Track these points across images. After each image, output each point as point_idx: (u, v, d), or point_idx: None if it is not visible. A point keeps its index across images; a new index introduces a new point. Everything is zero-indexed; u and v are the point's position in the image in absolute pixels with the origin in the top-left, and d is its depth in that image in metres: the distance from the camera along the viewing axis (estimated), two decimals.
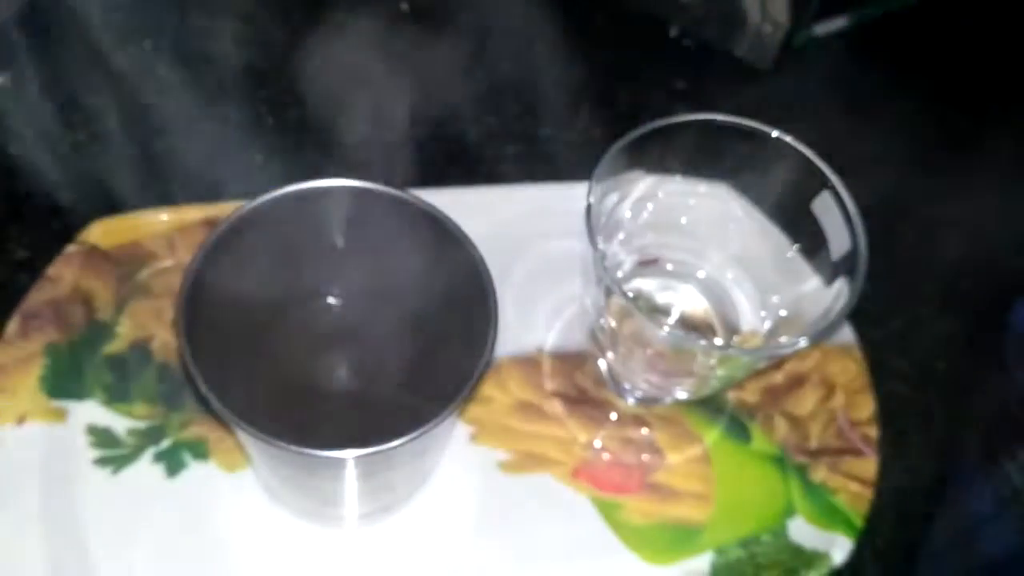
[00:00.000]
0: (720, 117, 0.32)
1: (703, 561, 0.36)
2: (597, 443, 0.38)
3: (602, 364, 0.39)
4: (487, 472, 0.37)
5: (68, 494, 0.34)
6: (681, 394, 0.37)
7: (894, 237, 0.45)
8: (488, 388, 0.38)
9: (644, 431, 0.38)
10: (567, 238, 0.38)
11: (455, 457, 0.36)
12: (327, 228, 0.33)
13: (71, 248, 0.38)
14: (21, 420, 0.35)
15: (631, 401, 0.38)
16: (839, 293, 0.32)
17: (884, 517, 0.38)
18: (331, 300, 0.36)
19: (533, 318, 0.40)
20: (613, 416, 0.38)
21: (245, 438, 0.30)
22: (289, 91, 0.46)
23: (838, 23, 0.50)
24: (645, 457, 0.37)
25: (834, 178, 0.32)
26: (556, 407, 0.38)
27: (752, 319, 0.35)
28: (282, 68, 0.46)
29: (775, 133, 0.32)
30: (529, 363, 0.39)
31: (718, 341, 0.36)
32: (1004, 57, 0.53)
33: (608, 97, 0.48)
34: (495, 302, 0.30)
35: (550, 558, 0.35)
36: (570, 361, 0.39)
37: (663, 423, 0.38)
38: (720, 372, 0.34)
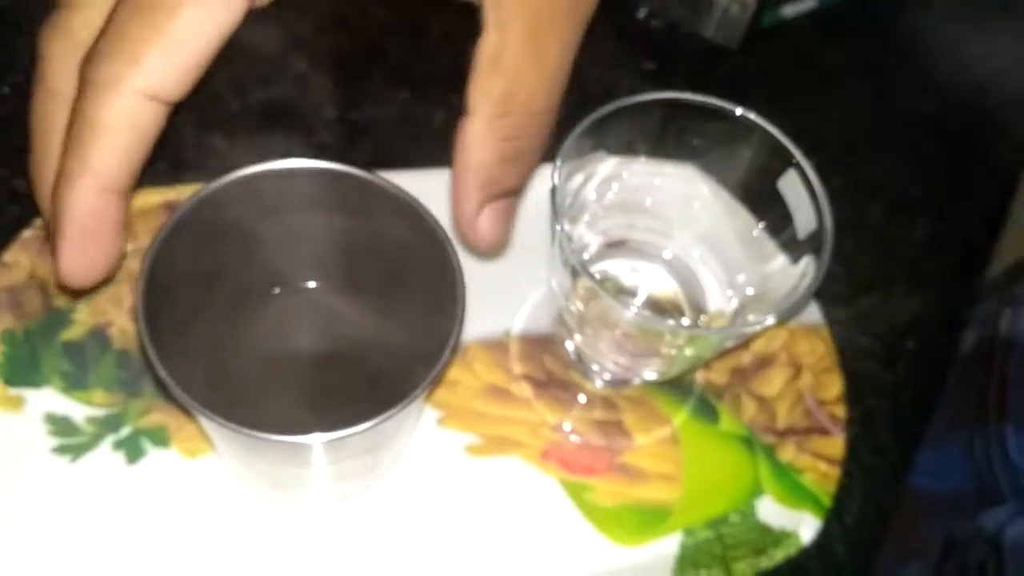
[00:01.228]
0: (684, 95, 0.32)
1: (672, 542, 0.36)
2: (566, 425, 0.37)
3: (570, 346, 0.38)
4: (454, 456, 0.36)
5: (26, 483, 0.33)
6: (649, 375, 0.36)
7: (862, 216, 0.45)
8: (455, 371, 0.38)
9: (612, 413, 0.38)
10: (534, 219, 0.37)
11: (422, 442, 0.36)
12: (290, 211, 0.32)
13: (27, 233, 0.37)
14: None
15: (599, 383, 0.38)
16: (805, 271, 0.31)
17: (852, 496, 0.38)
18: (294, 284, 0.35)
19: (500, 300, 0.39)
20: (581, 398, 0.38)
21: (207, 425, 0.29)
22: (252, 73, 0.45)
23: (807, 4, 0.50)
24: (613, 439, 0.37)
25: (799, 156, 0.32)
26: (524, 390, 0.38)
27: (719, 298, 0.35)
28: (245, 50, 0.45)
29: (739, 111, 0.32)
30: (496, 346, 0.39)
31: (685, 321, 0.36)
32: (970, 37, 0.53)
33: (576, 79, 0.47)
34: (462, 285, 0.30)
35: (518, 541, 0.35)
36: (538, 343, 0.39)
37: (631, 405, 0.38)
38: (688, 352, 0.34)
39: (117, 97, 0.25)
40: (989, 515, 0.53)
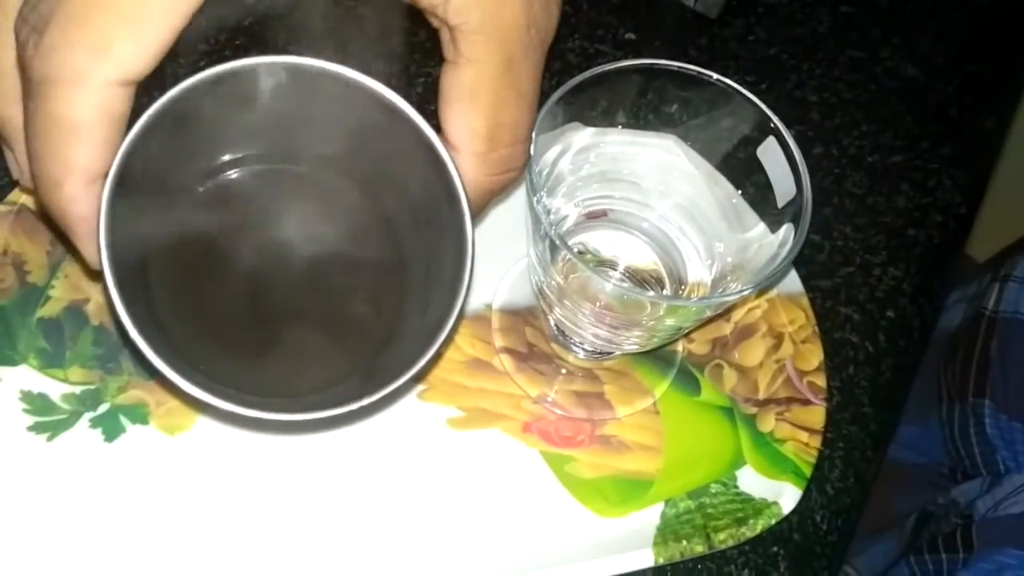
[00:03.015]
0: (662, 62, 0.32)
1: (653, 513, 0.36)
2: (547, 398, 0.37)
3: (550, 319, 0.38)
4: (436, 429, 0.36)
5: (1, 464, 0.33)
6: (630, 347, 0.36)
7: (843, 185, 0.45)
8: None
9: (594, 385, 0.38)
10: (514, 191, 0.37)
11: (404, 415, 0.36)
12: (279, 117, 0.28)
13: (0, 209, 0.36)
14: None
15: (581, 355, 0.38)
16: (785, 239, 0.31)
17: (833, 466, 0.38)
18: (282, 214, 0.31)
19: (481, 274, 0.39)
20: (563, 371, 0.38)
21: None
22: (229, 44, 0.44)
23: None
24: (595, 411, 0.37)
25: (779, 123, 0.31)
26: (506, 363, 0.38)
27: (698, 268, 0.35)
28: (222, 22, 0.45)
29: (716, 77, 0.32)
30: (478, 319, 0.38)
31: (665, 292, 0.36)
32: (951, 6, 0.53)
33: (556, 49, 0.47)
34: (472, 241, 0.27)
35: (500, 514, 0.35)
36: (519, 316, 0.39)
37: (613, 376, 0.38)
38: (668, 323, 0.33)
39: (88, 92, 0.23)
40: (962, 489, 0.54)
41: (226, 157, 0.30)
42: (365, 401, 0.26)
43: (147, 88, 0.25)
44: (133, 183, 0.26)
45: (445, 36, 0.26)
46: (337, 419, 0.27)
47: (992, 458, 0.54)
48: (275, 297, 0.31)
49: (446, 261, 0.28)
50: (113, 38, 0.23)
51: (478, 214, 0.28)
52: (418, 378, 0.27)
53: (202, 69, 0.26)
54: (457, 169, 0.27)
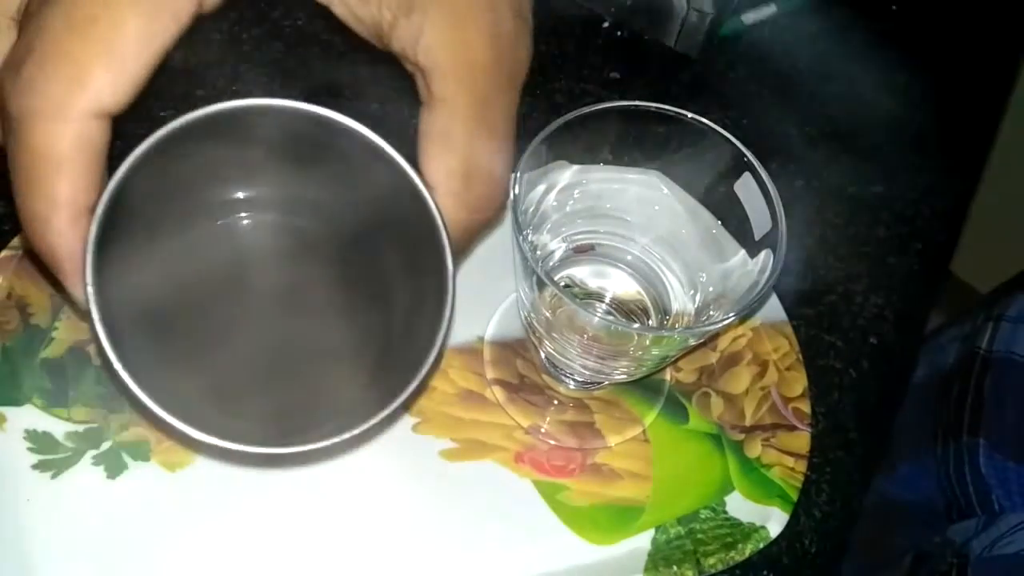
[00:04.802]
0: (639, 103, 0.33)
1: (644, 539, 0.36)
2: (539, 428, 0.38)
3: (541, 352, 0.39)
4: (430, 461, 0.37)
5: (7, 500, 0.34)
6: (619, 376, 0.37)
7: (825, 216, 0.46)
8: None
9: (584, 415, 0.39)
10: (503, 227, 0.38)
11: (398, 448, 0.37)
12: (262, 163, 0.29)
13: (3, 254, 0.38)
14: None
15: (571, 385, 0.39)
16: (764, 266, 0.32)
17: (820, 490, 0.39)
18: (265, 254, 0.32)
19: (473, 307, 0.40)
20: (554, 401, 0.39)
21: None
22: (223, 77, 0.46)
23: (767, 10, 0.51)
24: (586, 440, 0.38)
25: (753, 159, 0.33)
26: (498, 394, 0.39)
27: (682, 298, 0.36)
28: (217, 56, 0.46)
29: (692, 116, 0.33)
30: (470, 352, 0.39)
31: (651, 323, 0.37)
32: (928, 39, 0.54)
33: (544, 89, 0.48)
34: (453, 275, 0.27)
35: (494, 543, 0.36)
36: (510, 348, 0.40)
37: (603, 406, 0.39)
38: (655, 352, 0.34)
39: (68, 124, 0.23)
40: (958, 528, 0.54)
41: (218, 199, 0.30)
42: (346, 435, 0.27)
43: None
44: (125, 223, 0.26)
45: (420, 81, 0.27)
46: (323, 452, 0.27)
47: (987, 497, 0.55)
48: (263, 342, 0.32)
49: (429, 300, 0.28)
50: (90, 70, 0.23)
51: (461, 253, 0.28)
52: (399, 412, 0.27)
53: (194, 109, 0.26)
54: (439, 209, 0.27)
